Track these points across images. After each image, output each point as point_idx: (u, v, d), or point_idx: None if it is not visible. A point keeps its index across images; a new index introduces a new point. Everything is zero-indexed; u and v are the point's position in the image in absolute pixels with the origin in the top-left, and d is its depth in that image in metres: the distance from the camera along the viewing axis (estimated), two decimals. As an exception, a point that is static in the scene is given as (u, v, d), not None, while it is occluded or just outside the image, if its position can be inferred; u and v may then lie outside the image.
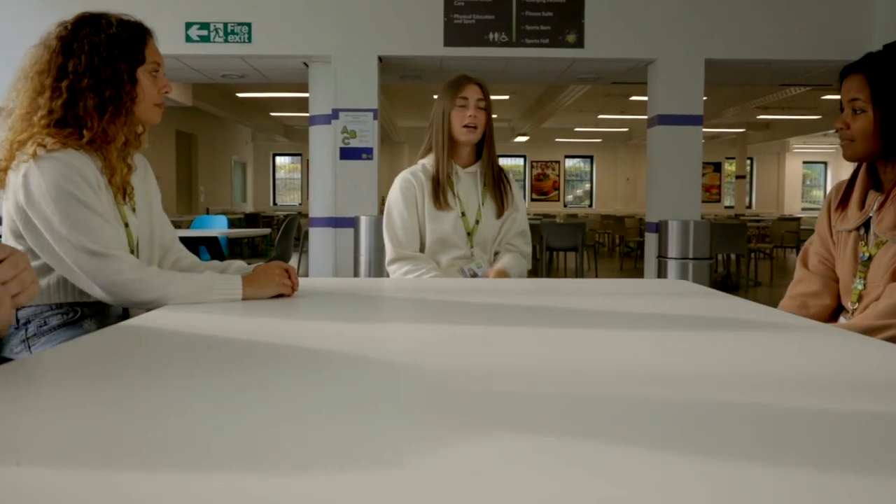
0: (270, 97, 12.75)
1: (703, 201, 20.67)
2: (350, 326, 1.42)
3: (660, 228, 6.80)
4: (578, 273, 9.34)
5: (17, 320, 1.66)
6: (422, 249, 2.46)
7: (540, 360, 1.08)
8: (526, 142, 20.29)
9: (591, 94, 11.77)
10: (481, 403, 0.82)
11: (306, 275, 7.78)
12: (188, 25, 6.94)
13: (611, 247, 15.49)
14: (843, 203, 1.77)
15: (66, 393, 0.87)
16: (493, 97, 2.53)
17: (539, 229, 9.09)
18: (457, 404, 0.83)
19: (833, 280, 1.80)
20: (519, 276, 2.50)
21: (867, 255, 1.68)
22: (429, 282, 2.23)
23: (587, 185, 22.14)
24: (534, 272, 9.99)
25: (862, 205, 1.72)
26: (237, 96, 12.87)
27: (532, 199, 21.61)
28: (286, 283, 1.70)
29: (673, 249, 6.61)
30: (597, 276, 10.38)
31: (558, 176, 21.81)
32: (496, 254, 2.55)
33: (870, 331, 1.55)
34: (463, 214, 2.47)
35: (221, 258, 5.67)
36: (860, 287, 1.69)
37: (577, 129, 18.52)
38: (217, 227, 6.51)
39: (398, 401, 0.86)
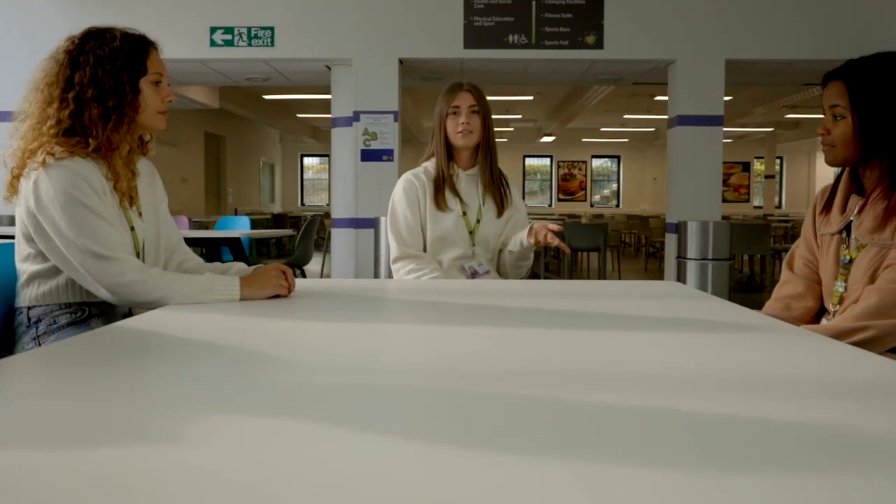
0: (296, 99, 12.90)
1: (732, 201, 20.56)
2: (336, 326, 1.48)
3: (679, 229, 6.80)
4: (601, 273, 9.34)
5: (29, 319, 1.75)
6: (424, 249, 2.53)
7: (501, 361, 1.14)
8: (552, 142, 20.29)
9: (615, 94, 11.75)
10: (447, 404, 0.89)
11: (329, 275, 7.89)
12: (213, 30, 7.07)
13: (637, 247, 15.44)
14: (827, 207, 1.80)
15: (55, 384, 0.95)
16: (516, 98, 2.61)
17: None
18: (425, 404, 0.89)
19: (816, 283, 1.83)
20: (518, 271, 2.57)
21: (848, 258, 1.71)
22: (422, 283, 2.30)
23: (614, 186, 22.06)
24: (557, 273, 10.02)
25: (844, 209, 1.75)
26: (264, 98, 13.03)
27: (559, 200, 21.59)
28: (283, 285, 1.77)
29: (692, 250, 6.61)
30: (619, 277, 10.38)
31: (585, 176, 21.76)
32: (500, 252, 2.61)
33: (844, 333, 1.58)
34: (464, 214, 2.53)
35: (245, 259, 5.79)
36: (841, 289, 1.72)
37: (602, 130, 18.48)
38: (240, 228, 6.62)
39: (375, 400, 0.92)
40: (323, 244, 7.96)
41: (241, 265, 1.92)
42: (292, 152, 21.58)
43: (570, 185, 21.79)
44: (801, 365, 1.10)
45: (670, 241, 7.29)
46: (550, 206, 21.46)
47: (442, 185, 2.52)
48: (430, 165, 2.59)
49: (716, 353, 1.18)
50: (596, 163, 21.91)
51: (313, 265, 11.09)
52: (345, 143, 7.35)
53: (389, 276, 2.61)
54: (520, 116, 16.31)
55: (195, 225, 8.44)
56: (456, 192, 2.53)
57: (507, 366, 1.09)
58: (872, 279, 1.63)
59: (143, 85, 1.80)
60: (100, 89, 1.73)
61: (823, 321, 1.78)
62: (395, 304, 1.85)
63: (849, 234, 1.72)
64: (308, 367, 1.08)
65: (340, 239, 7.33)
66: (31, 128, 1.73)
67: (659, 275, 10.45)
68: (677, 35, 6.96)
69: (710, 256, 6.56)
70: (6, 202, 1.77)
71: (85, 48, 1.76)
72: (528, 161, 21.95)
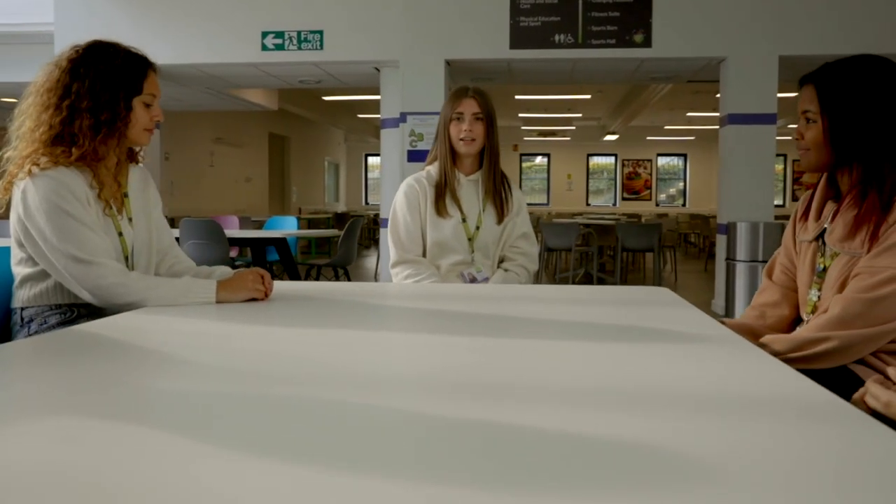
0: (354, 100, 13.07)
1: (795, 200, 19.89)
2: (299, 330, 1.53)
3: (728, 230, 6.65)
4: (655, 275, 9.20)
5: (22, 319, 1.86)
6: (424, 254, 2.56)
7: (439, 370, 1.16)
8: (616, 140, 20.02)
9: (677, 91, 11.54)
10: (365, 410, 0.92)
11: (379, 276, 7.99)
12: (264, 34, 7.25)
13: (703, 247, 15.13)
14: (806, 214, 1.76)
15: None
16: (573, 96, 2.61)
17: (614, 230, 9.02)
18: (363, 411, 0.92)
19: (794, 291, 1.79)
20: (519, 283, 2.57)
21: (822, 266, 1.67)
22: (401, 287, 2.34)
23: (680, 184, 21.63)
24: (611, 274, 9.90)
25: (819, 215, 1.71)
26: (323, 100, 13.25)
27: (623, 199, 21.29)
28: (259, 288, 1.83)
29: (741, 251, 6.46)
30: (676, 279, 10.19)
31: (650, 174, 21.41)
32: (501, 260, 2.62)
33: (806, 343, 1.55)
34: (464, 220, 2.55)
35: (290, 258, 5.92)
36: (815, 298, 1.68)
37: (667, 128, 18.15)
38: (288, 227, 6.77)
39: (340, 405, 0.96)
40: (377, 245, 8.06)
41: (224, 269, 1.99)
42: (357, 152, 21.86)
43: (634, 183, 21.46)
44: (713, 379, 1.08)
45: (721, 242, 7.14)
46: (614, 205, 21.19)
47: (442, 191, 2.54)
48: (432, 169, 2.61)
49: (635, 365, 1.18)
50: (661, 161, 21.52)
51: (369, 265, 11.24)
52: (393, 143, 7.44)
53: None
54: (580, 115, 16.16)
55: (252, 224, 8.65)
56: (456, 199, 2.55)
57: (446, 376, 1.12)
58: (843, 288, 1.58)
59: (136, 103, 1.87)
60: (95, 102, 1.81)
61: (798, 330, 1.74)
62: (366, 308, 1.88)
63: (824, 242, 1.68)
64: (230, 372, 1.12)
65: (386, 239, 7.41)
66: (28, 130, 1.83)
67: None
68: (728, 31, 6.81)
69: (759, 258, 6.40)
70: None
71: (87, 60, 1.84)
72: (593, 160, 21.71)
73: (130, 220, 1.96)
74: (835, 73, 1.62)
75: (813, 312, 1.67)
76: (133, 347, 1.34)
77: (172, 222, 6.33)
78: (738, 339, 1.36)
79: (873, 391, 1.11)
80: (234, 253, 6.73)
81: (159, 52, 7.53)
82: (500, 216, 2.59)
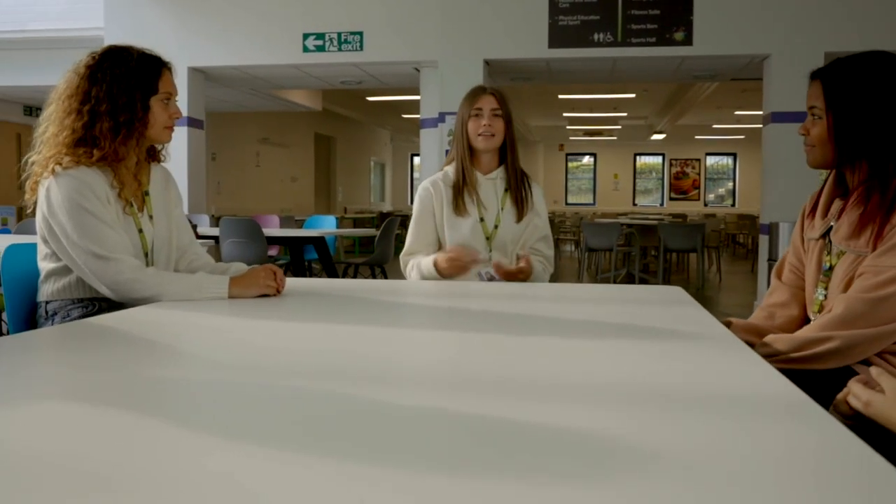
0: (398, 100, 13.14)
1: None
2: (308, 325, 1.57)
3: (770, 230, 6.53)
4: (699, 275, 9.09)
5: (47, 312, 1.93)
6: (441, 255, 2.58)
7: (434, 365, 1.19)
8: (664, 139, 19.79)
9: (725, 89, 11.35)
10: (343, 401, 0.95)
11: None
12: (305, 36, 7.35)
13: (750, 248, 14.85)
14: (814, 211, 1.74)
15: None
16: (617, 95, 2.61)
17: (657, 230, 8.92)
18: (327, 404, 0.96)
19: (802, 290, 1.77)
20: (539, 280, 2.57)
21: (829, 264, 1.65)
22: (417, 284, 2.37)
23: (730, 184, 21.27)
24: (654, 275, 9.79)
25: (826, 213, 1.69)
26: (367, 100, 13.36)
27: (670, 199, 21.02)
28: (270, 285, 1.88)
29: (783, 252, 6.32)
30: (720, 280, 10.04)
31: (698, 174, 21.09)
32: (518, 258, 2.62)
33: (808, 343, 1.53)
34: (482, 220, 2.56)
35: (328, 257, 6.00)
36: (821, 297, 1.66)
37: (715, 126, 17.87)
38: (327, 227, 6.85)
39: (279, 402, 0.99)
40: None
41: (239, 265, 2.04)
42: (403, 152, 21.98)
43: (682, 183, 21.17)
44: (691, 376, 1.08)
45: (763, 242, 7.02)
46: (661, 205, 20.93)
47: (460, 190, 2.55)
48: (450, 170, 2.63)
49: (621, 362, 1.18)
50: (710, 160, 21.19)
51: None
52: (432, 143, 7.48)
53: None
54: (626, 114, 16.00)
55: (294, 224, 8.77)
56: (473, 199, 2.56)
57: (442, 369, 1.14)
58: (848, 288, 1.56)
59: (153, 103, 1.93)
60: (113, 104, 1.88)
61: (801, 329, 1.72)
62: (376, 304, 1.90)
63: (831, 240, 1.66)
64: (238, 364, 1.16)
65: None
66: (52, 135, 1.90)
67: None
68: (771, 28, 6.69)
69: (802, 259, 6.26)
70: (27, 204, 1.94)
71: (103, 65, 1.91)
72: (640, 159, 21.48)
73: (151, 217, 2.02)
74: (842, 70, 1.60)
75: (819, 312, 1.65)
76: (144, 339, 1.39)
77: (216, 221, 6.47)
78: (732, 339, 1.35)
79: (855, 391, 1.09)
80: (274, 252, 6.85)
81: (204, 55, 7.70)
82: (520, 214, 2.59)
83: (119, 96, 1.88)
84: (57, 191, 1.81)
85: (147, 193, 2.03)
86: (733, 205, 20.77)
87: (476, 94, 2.54)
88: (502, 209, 2.58)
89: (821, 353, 1.51)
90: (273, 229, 6.53)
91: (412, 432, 0.80)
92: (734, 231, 14.26)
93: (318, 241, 5.85)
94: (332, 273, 5.96)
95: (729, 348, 1.27)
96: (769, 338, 1.61)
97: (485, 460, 0.70)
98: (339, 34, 7.31)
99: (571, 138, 20.48)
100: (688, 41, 6.78)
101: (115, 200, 1.90)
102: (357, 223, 14.22)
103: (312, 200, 15.58)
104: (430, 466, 0.68)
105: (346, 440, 0.76)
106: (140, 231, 1.96)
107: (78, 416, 0.85)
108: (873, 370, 1.09)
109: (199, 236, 5.73)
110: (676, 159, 21.09)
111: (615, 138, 20.31)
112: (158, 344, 1.36)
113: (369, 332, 1.48)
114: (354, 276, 6.61)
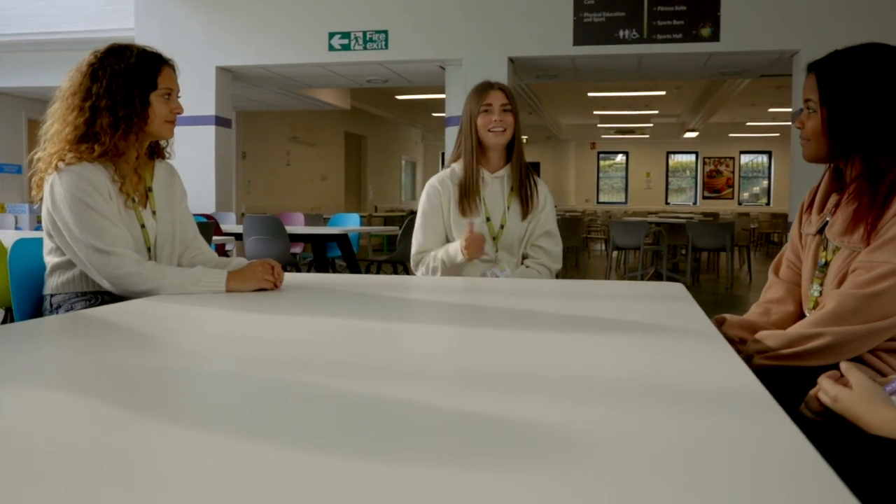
0: (427, 98, 13.17)
1: None
2: (303, 318, 1.59)
3: (798, 229, 6.42)
4: (728, 274, 8.98)
5: (52, 304, 1.97)
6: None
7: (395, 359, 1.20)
8: (697, 137, 19.57)
9: (758, 86, 11.20)
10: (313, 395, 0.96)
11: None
12: (331, 35, 7.40)
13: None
14: (812, 206, 1.71)
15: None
16: (648, 93, 2.58)
17: (685, 229, 8.83)
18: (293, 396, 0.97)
19: (799, 286, 1.74)
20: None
21: (824, 260, 1.62)
22: (417, 280, 2.37)
23: (764, 182, 20.97)
24: (682, 273, 9.69)
25: (822, 208, 1.66)
26: (396, 98, 13.41)
27: (703, 198, 20.78)
28: (267, 279, 1.90)
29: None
30: (751, 279, 9.90)
31: (732, 173, 20.82)
32: (524, 257, 2.61)
33: (800, 339, 1.50)
34: (488, 219, 2.55)
35: (351, 254, 6.04)
36: (816, 293, 1.63)
37: (749, 124, 17.63)
38: (351, 224, 6.89)
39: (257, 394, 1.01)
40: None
41: (239, 260, 2.07)
42: (434, 150, 22.02)
43: (716, 182, 20.91)
44: (658, 370, 1.08)
45: (792, 241, 6.91)
46: (694, 203, 20.70)
47: (467, 191, 2.54)
48: (457, 167, 2.62)
49: (595, 356, 1.18)
50: (745, 158, 20.91)
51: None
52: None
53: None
54: (656, 112, 15.86)
55: (321, 222, 8.84)
56: (480, 198, 2.55)
57: (424, 363, 1.15)
58: (842, 284, 1.53)
59: (153, 98, 1.96)
60: (112, 100, 1.91)
61: (793, 326, 1.69)
62: (374, 299, 1.91)
63: (827, 236, 1.63)
64: (231, 355, 1.18)
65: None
66: (55, 133, 1.95)
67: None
68: (801, 23, 6.58)
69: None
70: (34, 201, 1.99)
71: (104, 62, 1.95)
72: (673, 157, 21.27)
73: (154, 213, 2.05)
74: (837, 63, 1.57)
75: (815, 308, 1.62)
76: (136, 330, 1.42)
77: (243, 219, 6.54)
78: (715, 335, 1.33)
79: (824, 386, 1.08)
80: (298, 249, 6.90)
81: (231, 54, 7.78)
82: (526, 211, 2.58)
83: (118, 92, 1.92)
84: (60, 186, 1.85)
85: (150, 189, 2.06)
86: (768, 203, 20.48)
87: (484, 89, 2.54)
88: (508, 208, 2.57)
89: (812, 350, 1.48)
90: (297, 227, 6.59)
91: (400, 425, 0.81)
92: (767, 230, 14.06)
93: (342, 239, 5.89)
94: (355, 270, 5.99)
95: (708, 344, 1.25)
96: (761, 334, 1.59)
97: (448, 450, 0.70)
98: (364, 33, 7.34)
99: (603, 136, 20.36)
100: (714, 37, 6.70)
101: (117, 195, 1.93)
102: (387, 221, 14.28)
103: (343, 199, 15.69)
104: (425, 459, 0.69)
105: (342, 432, 0.77)
106: (143, 226, 1.99)
107: (68, 404, 0.87)
108: (843, 364, 1.07)
109: (223, 234, 5.82)
110: (710, 157, 20.84)
111: (647, 136, 20.14)
112: (151, 335, 1.38)
113: (365, 326, 1.49)
114: (378, 273, 6.65)
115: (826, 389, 1.07)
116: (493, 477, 0.63)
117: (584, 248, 11.65)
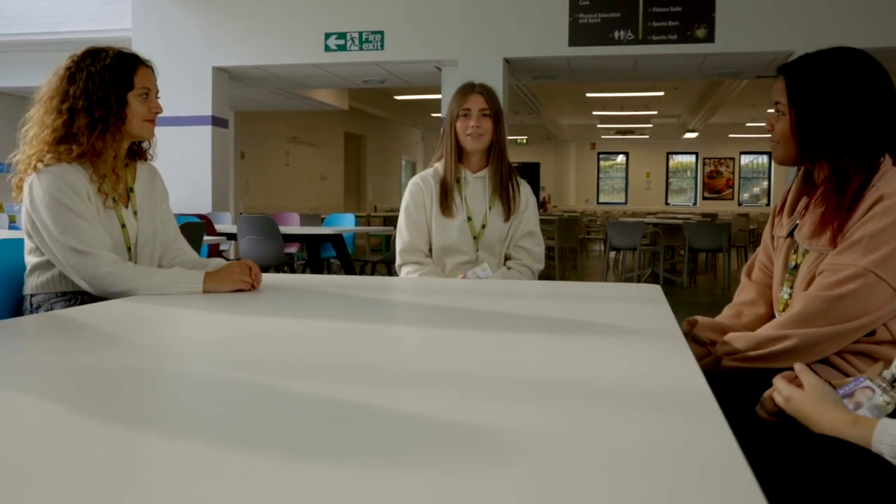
0: (425, 99, 13.17)
1: None
2: (278, 320, 1.60)
3: (793, 230, 6.42)
4: (726, 275, 8.97)
5: (31, 304, 1.99)
6: (430, 253, 2.58)
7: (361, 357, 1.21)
8: (697, 138, 19.56)
9: (757, 86, 11.16)
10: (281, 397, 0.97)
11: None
12: (327, 35, 7.42)
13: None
14: (783, 208, 1.72)
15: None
16: (647, 94, 2.59)
17: (682, 230, 8.83)
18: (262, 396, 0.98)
19: (770, 288, 1.75)
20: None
21: (794, 263, 1.63)
22: (395, 281, 2.38)
23: (765, 183, 20.95)
24: (679, 275, 9.69)
25: (793, 211, 1.67)
26: (395, 99, 13.42)
27: (703, 198, 20.77)
28: (245, 280, 1.91)
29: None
30: (748, 279, 9.88)
31: (732, 173, 20.81)
32: (507, 258, 2.62)
33: (767, 341, 1.51)
34: (469, 219, 2.56)
35: (346, 254, 6.04)
36: (786, 296, 1.64)
37: (749, 125, 17.62)
38: (346, 225, 6.90)
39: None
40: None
41: (218, 261, 2.08)
42: (433, 151, 21.99)
43: (716, 182, 20.91)
44: (611, 371, 1.09)
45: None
46: (694, 204, 20.70)
47: (448, 190, 2.55)
48: (440, 166, 2.64)
49: (554, 357, 1.19)
50: (745, 159, 20.90)
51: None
52: (453, 142, 7.49)
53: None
54: (655, 112, 15.86)
55: (318, 222, 8.85)
56: (462, 197, 2.56)
57: (393, 364, 1.16)
58: (808, 286, 1.54)
59: (131, 98, 1.98)
60: (89, 101, 1.93)
61: (760, 328, 1.70)
62: (350, 299, 1.92)
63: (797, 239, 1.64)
64: (205, 356, 1.19)
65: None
66: (34, 135, 1.96)
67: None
68: (796, 24, 6.58)
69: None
70: (14, 202, 2.00)
71: (81, 65, 1.97)
72: (673, 158, 21.27)
73: (136, 213, 2.06)
74: (806, 66, 1.58)
75: (784, 310, 1.63)
76: (114, 331, 1.43)
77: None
78: (678, 337, 1.34)
79: (778, 387, 1.09)
80: (293, 249, 6.91)
81: (228, 54, 7.79)
82: (508, 213, 2.58)
83: (95, 93, 1.93)
84: (38, 187, 1.87)
85: (132, 190, 2.08)
86: (768, 204, 20.46)
87: (465, 92, 2.55)
88: (490, 208, 2.58)
89: (778, 352, 1.49)
90: (292, 227, 6.60)
91: (374, 427, 0.82)
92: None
93: (336, 239, 5.90)
94: (349, 270, 6.00)
95: (667, 346, 1.26)
96: (728, 336, 1.60)
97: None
98: (361, 33, 7.36)
99: (603, 137, 20.36)
100: (710, 38, 6.71)
101: (96, 196, 1.94)
102: (387, 221, 14.28)
103: (342, 199, 15.70)
104: (398, 462, 0.70)
105: (316, 433, 0.78)
106: (123, 226, 2.00)
107: (39, 406, 0.88)
108: (796, 365, 1.08)
109: (217, 234, 5.83)
110: (710, 158, 20.84)
111: (647, 137, 20.15)
112: (126, 336, 1.38)
113: (342, 328, 1.50)
114: (372, 274, 6.65)
115: (780, 390, 1.08)
116: (426, 478, 0.64)
117: (581, 248, 11.64)
